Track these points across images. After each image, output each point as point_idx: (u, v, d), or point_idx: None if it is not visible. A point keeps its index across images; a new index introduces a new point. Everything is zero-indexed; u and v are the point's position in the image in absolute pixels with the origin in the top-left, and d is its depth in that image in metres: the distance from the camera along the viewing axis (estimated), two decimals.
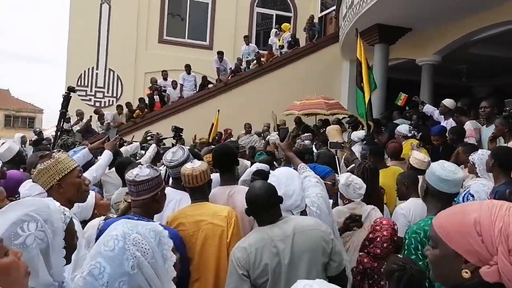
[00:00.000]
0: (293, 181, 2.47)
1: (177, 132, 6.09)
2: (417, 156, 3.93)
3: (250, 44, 13.63)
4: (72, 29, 14.79)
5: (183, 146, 3.14)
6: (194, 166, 2.51)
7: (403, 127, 5.90)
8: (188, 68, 12.56)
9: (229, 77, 12.79)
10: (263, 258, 1.99)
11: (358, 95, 6.93)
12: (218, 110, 10.18)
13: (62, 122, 5.64)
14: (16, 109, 36.78)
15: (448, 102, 6.30)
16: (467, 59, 10.54)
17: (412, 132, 5.84)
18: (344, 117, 9.81)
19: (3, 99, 36.90)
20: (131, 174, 2.09)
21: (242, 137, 10.16)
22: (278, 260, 1.99)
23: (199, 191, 2.51)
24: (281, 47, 13.67)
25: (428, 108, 7.10)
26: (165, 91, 12.43)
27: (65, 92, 5.82)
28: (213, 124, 9.96)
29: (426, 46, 9.83)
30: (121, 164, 3.65)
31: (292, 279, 1.91)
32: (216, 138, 9.97)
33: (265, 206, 2.10)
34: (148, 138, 5.69)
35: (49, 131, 16.05)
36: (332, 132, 6.53)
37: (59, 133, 5.64)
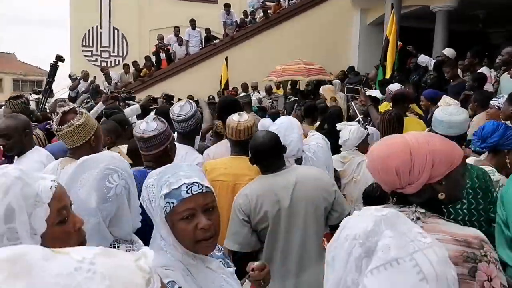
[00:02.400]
0: (292, 131, 2.58)
1: (168, 100, 5.97)
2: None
3: None
4: None
5: (191, 101, 3.10)
6: (241, 120, 2.42)
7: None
8: (193, 23, 12.22)
9: (235, 31, 12.44)
10: (264, 205, 2.05)
11: (379, 71, 6.79)
12: (226, 58, 10.01)
13: (47, 91, 5.61)
14: (23, 73, 36.74)
15: (448, 51, 6.07)
16: (485, 4, 10.03)
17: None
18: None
19: (10, 63, 36.76)
20: (138, 130, 2.07)
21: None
22: (278, 208, 2.05)
23: (240, 145, 2.43)
24: None
25: (423, 59, 6.82)
26: (169, 49, 12.16)
27: (53, 61, 5.77)
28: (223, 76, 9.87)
29: None
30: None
31: (292, 227, 2.06)
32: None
33: (268, 155, 2.13)
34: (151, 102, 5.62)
35: (58, 94, 16.04)
36: (327, 92, 6.47)
37: (44, 98, 5.60)
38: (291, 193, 2.05)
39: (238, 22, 12.66)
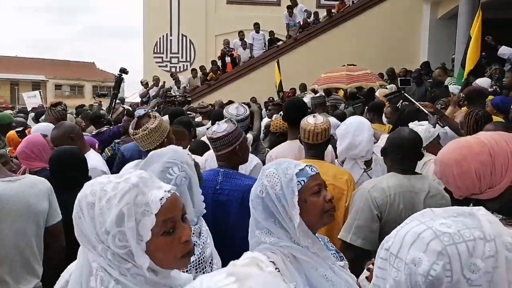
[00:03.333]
0: (362, 132, 2.52)
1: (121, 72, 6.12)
2: None
3: None
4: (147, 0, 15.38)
5: (243, 104, 3.24)
6: (317, 122, 2.34)
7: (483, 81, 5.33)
8: (257, 27, 12.47)
9: (298, 32, 12.47)
10: (400, 204, 1.92)
11: (459, 73, 6.40)
12: (277, 61, 10.07)
13: (113, 102, 5.94)
14: (101, 80, 39.91)
15: None
16: None
17: (494, 87, 5.23)
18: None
19: (90, 71, 40.21)
20: (210, 131, 2.17)
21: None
22: (411, 211, 1.91)
23: (316, 149, 2.38)
24: None
25: (505, 50, 6.21)
26: (232, 54, 12.51)
27: (117, 74, 6.18)
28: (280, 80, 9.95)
29: None
30: None
31: None
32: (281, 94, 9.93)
33: (408, 153, 2.03)
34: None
35: (130, 98, 17.21)
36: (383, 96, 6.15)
37: (112, 109, 5.97)
38: (423, 201, 1.93)
39: (301, 23, 12.67)
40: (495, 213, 1.09)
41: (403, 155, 2.03)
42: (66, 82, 37.14)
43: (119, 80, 6.18)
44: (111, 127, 4.30)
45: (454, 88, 5.80)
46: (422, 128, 2.99)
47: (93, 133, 4.16)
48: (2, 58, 37.21)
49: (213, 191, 2.05)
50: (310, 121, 2.37)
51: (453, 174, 1.19)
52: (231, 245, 1.84)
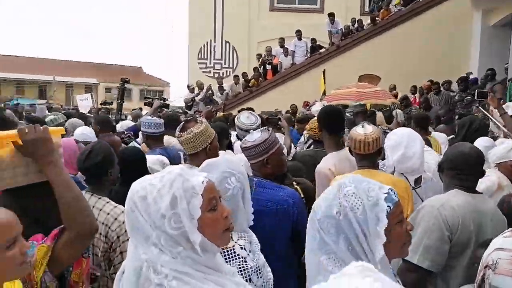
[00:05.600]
0: (415, 143, 2.38)
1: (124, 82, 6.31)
2: None
3: None
4: (192, 6, 15.90)
5: (253, 113, 3.24)
6: (367, 132, 2.25)
7: None
8: (299, 34, 12.55)
9: (341, 40, 12.41)
10: (471, 226, 1.80)
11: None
12: (324, 71, 10.04)
13: (120, 113, 6.18)
14: (148, 84, 41.52)
15: None
16: None
17: None
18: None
19: (138, 76, 41.96)
20: (244, 140, 2.20)
21: None
22: (476, 233, 1.80)
23: (368, 159, 2.28)
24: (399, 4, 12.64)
25: None
26: (271, 63, 12.65)
27: (119, 84, 6.45)
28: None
29: None
30: None
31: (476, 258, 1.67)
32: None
33: (472, 170, 1.93)
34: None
35: (174, 102, 17.78)
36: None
37: (119, 117, 6.19)
38: (489, 222, 1.84)
39: (344, 30, 12.60)
40: None
41: (467, 172, 1.91)
42: (116, 85, 38.90)
43: (122, 90, 6.45)
44: (111, 134, 4.44)
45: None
46: (504, 146, 2.74)
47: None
48: (59, 62, 39.75)
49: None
50: (360, 131, 2.28)
51: None
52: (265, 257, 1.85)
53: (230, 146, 3.66)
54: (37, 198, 1.43)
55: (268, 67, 12.71)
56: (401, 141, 2.37)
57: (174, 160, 3.21)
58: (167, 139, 3.72)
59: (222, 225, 1.08)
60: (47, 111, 11.36)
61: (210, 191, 1.06)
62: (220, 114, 6.33)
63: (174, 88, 43.30)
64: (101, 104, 12.29)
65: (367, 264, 0.72)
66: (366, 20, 12.81)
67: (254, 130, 2.65)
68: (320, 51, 12.55)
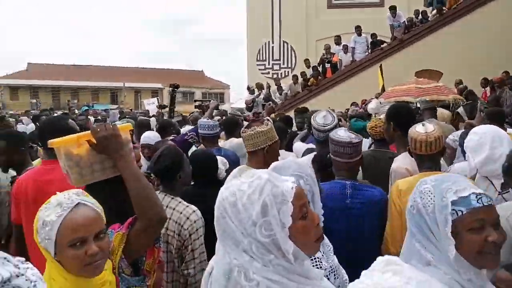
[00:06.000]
0: (501, 143, 2.13)
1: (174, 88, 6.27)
2: None
3: None
4: (250, 8, 16.20)
5: (331, 112, 3.19)
6: (428, 131, 2.10)
7: None
8: (358, 30, 12.26)
9: (404, 33, 11.91)
10: None
11: None
12: (380, 65, 9.69)
13: (172, 117, 6.33)
14: (209, 87, 42.90)
15: None
16: None
17: None
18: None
19: (200, 79, 43.55)
20: (344, 135, 2.12)
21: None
22: None
23: (431, 160, 2.12)
24: None
25: None
26: (329, 61, 12.46)
27: (171, 90, 6.60)
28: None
29: None
30: None
31: None
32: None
33: None
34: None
35: (235, 104, 18.23)
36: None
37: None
38: None
39: (407, 23, 12.07)
40: None
41: None
42: (179, 90, 40.69)
43: (173, 96, 6.62)
44: (176, 137, 4.53)
45: None
46: None
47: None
48: (128, 69, 42.55)
49: (343, 205, 1.92)
50: (420, 129, 2.11)
51: None
52: (363, 258, 1.86)
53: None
54: (113, 190, 1.52)
55: (327, 65, 12.57)
56: (485, 141, 2.12)
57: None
58: (230, 141, 3.91)
59: (314, 234, 1.04)
60: (118, 115, 12.28)
61: (300, 197, 1.01)
62: (272, 115, 6.37)
63: (234, 90, 44.26)
64: (157, 107, 12.95)
65: (392, 258, 0.75)
66: (431, 11, 12.16)
67: (331, 130, 2.60)
68: (382, 46, 12.16)
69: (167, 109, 11.37)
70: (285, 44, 16.23)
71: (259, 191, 0.98)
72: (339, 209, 1.94)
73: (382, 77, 9.70)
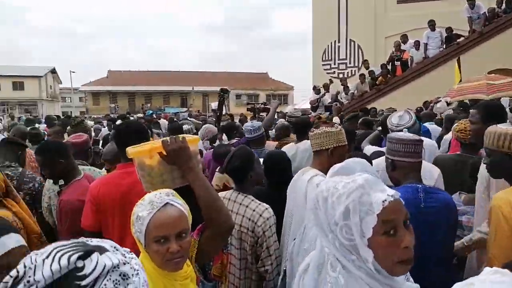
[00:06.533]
0: None
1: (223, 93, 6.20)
2: None
3: None
4: (315, 8, 16.05)
5: (409, 110, 3.03)
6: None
7: None
8: (432, 24, 11.54)
9: (484, 25, 10.98)
10: None
11: None
12: (458, 58, 8.97)
13: (219, 122, 6.32)
14: (274, 89, 43.25)
15: None
16: None
17: None
18: None
19: (264, 81, 44.08)
20: (409, 134, 2.00)
21: None
22: None
23: None
24: None
25: None
26: (400, 58, 11.86)
27: (219, 94, 6.56)
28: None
29: None
30: None
31: None
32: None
33: None
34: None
35: (299, 105, 18.19)
36: None
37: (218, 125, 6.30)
38: None
39: (488, 14, 11.12)
40: None
41: None
42: (244, 92, 41.73)
43: (221, 101, 6.63)
44: (240, 139, 4.59)
45: None
46: None
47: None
48: (196, 74, 44.39)
49: (417, 210, 1.77)
50: (502, 125, 1.89)
51: None
52: (432, 268, 1.76)
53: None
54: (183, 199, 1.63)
55: (397, 63, 12.00)
56: None
57: None
58: (304, 143, 3.79)
59: (397, 255, 0.96)
60: (188, 118, 12.85)
61: (391, 213, 0.95)
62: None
63: (298, 91, 44.14)
64: (212, 111, 13.23)
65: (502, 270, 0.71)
66: None
67: (408, 129, 2.47)
68: (458, 40, 11.32)
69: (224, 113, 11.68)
70: (352, 43, 15.83)
71: (347, 194, 0.97)
72: (414, 215, 1.78)
73: (460, 72, 9.01)
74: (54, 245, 0.68)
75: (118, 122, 6.74)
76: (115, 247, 0.71)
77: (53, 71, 44.21)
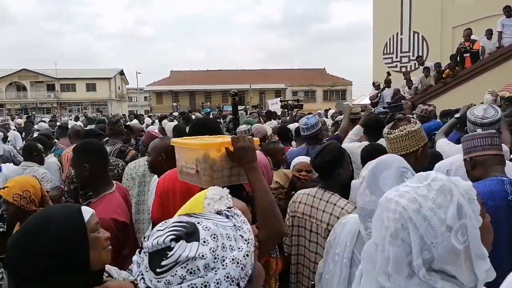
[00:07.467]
0: None
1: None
2: None
3: None
4: (376, 1, 15.45)
5: (494, 105, 2.81)
6: None
7: None
8: (507, 10, 10.55)
9: None
10: None
11: None
12: None
13: (234, 128, 6.13)
14: (331, 84, 42.40)
15: None
16: None
17: None
18: None
19: (321, 77, 43.35)
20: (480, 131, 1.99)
21: None
22: None
23: None
24: None
25: None
26: (469, 49, 10.96)
27: (232, 99, 6.36)
28: None
29: None
30: None
31: None
32: None
33: None
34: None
35: (357, 100, 17.60)
36: None
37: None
38: None
39: None
40: None
41: None
42: (301, 88, 41.44)
43: (235, 105, 6.48)
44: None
45: None
46: None
47: None
48: (253, 72, 44.85)
49: (506, 203, 1.75)
50: None
51: None
52: None
53: None
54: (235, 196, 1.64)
55: (466, 55, 11.16)
56: None
57: None
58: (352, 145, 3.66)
59: (490, 237, 0.98)
60: (245, 116, 13.03)
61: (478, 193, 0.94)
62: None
63: (357, 87, 42.87)
64: (281, 107, 13.18)
65: None
66: None
67: (491, 124, 2.49)
68: None
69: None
70: (416, 35, 15.01)
71: (448, 192, 0.89)
72: (501, 208, 1.75)
73: None
74: (172, 220, 0.84)
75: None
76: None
77: (121, 73, 47.24)
